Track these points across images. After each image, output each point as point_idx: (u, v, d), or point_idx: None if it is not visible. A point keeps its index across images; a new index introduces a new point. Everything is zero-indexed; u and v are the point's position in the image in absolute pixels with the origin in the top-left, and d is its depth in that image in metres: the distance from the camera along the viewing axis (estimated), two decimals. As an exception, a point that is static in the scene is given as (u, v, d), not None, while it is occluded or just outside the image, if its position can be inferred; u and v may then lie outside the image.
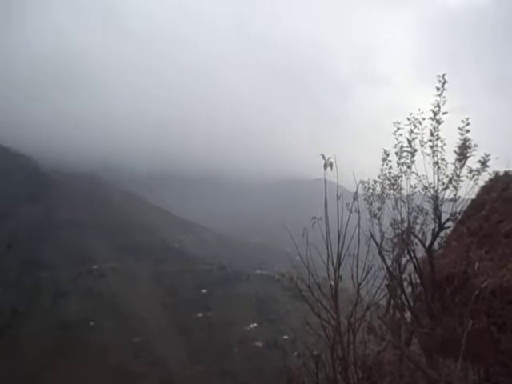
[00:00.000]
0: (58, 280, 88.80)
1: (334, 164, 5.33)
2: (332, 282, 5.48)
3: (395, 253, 7.46)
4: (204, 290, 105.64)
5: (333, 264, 5.51)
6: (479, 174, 6.56)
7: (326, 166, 5.24)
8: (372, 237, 7.19)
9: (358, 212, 6.12)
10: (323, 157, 5.26)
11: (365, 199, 7.26)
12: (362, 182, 7.21)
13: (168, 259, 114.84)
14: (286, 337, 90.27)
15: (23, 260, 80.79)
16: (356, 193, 6.29)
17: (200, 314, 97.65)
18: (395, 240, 7.46)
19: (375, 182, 7.44)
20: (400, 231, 7.38)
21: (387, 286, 7.35)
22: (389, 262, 7.42)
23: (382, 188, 7.47)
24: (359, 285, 5.83)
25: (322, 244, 6.07)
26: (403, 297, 7.50)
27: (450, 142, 6.80)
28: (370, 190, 7.45)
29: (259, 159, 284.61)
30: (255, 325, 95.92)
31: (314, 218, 5.45)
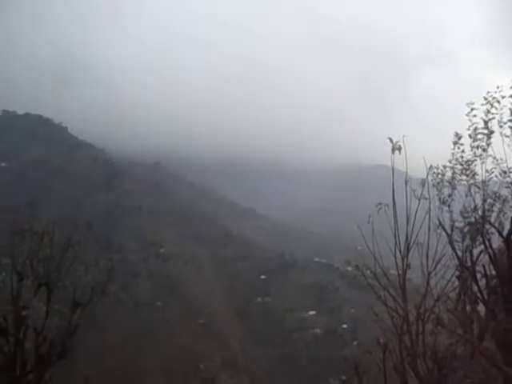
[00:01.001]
0: (130, 262, 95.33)
1: (402, 148, 5.06)
2: (400, 271, 5.27)
3: (467, 242, 7.01)
4: (263, 276, 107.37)
5: (400, 252, 5.29)
6: None
7: (393, 149, 5.00)
8: (441, 225, 6.80)
9: (429, 199, 5.80)
10: (391, 140, 5.01)
11: (433, 185, 6.85)
12: (431, 168, 6.80)
13: (228, 245, 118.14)
14: (345, 325, 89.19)
15: (99, 243, 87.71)
16: (426, 179, 5.95)
17: (259, 299, 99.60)
18: (466, 229, 7.00)
19: (445, 167, 6.99)
20: (473, 219, 6.91)
21: (458, 277, 6.95)
22: (460, 253, 6.99)
23: (453, 173, 7.00)
24: (429, 275, 5.55)
25: (385, 231, 5.85)
26: (476, 289, 7.04)
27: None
28: (440, 176, 7.01)
29: (319, 146, 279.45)
30: (314, 312, 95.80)
31: (379, 204, 5.25)
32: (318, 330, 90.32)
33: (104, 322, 64.17)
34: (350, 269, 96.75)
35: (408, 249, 5.20)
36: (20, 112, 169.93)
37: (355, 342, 77.55)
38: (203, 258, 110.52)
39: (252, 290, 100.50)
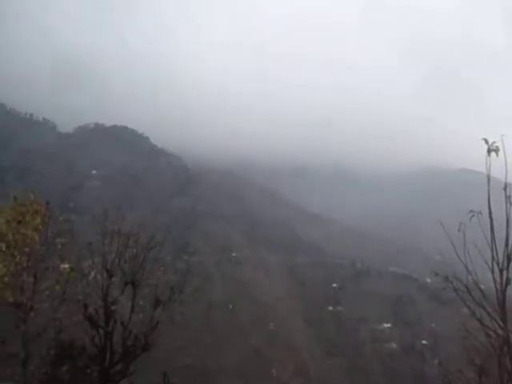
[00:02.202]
0: (203, 264, 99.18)
1: (499, 149, 4.57)
2: (498, 286, 4.75)
3: None
4: (334, 285, 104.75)
5: (498, 265, 4.77)
6: None
7: (489, 151, 4.52)
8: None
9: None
10: (486, 141, 4.55)
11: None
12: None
13: (298, 251, 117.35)
14: (424, 342, 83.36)
15: (176, 246, 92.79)
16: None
17: (330, 308, 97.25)
18: None
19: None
20: None
21: None
22: None
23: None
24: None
25: (476, 241, 5.33)
26: None
27: None
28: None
29: (394, 149, 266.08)
30: (389, 325, 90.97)
31: (471, 211, 4.80)
32: (393, 344, 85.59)
33: (181, 321, 67.50)
34: (429, 280, 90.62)
35: (508, 261, 4.66)
36: (108, 124, 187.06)
37: (436, 361, 72.07)
38: (273, 263, 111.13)
39: (323, 298, 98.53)
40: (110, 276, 10.49)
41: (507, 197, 5.84)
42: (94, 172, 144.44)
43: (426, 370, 71.23)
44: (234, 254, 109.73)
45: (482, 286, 5.60)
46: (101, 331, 10.26)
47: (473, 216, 4.79)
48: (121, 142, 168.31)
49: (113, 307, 10.18)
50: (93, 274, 10.99)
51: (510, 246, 4.78)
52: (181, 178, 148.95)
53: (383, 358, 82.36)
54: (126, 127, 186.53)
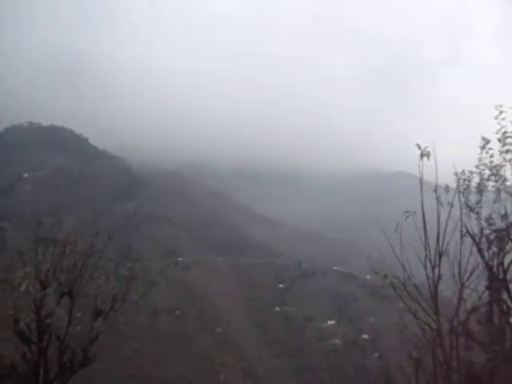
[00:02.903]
0: (149, 270, 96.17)
1: (430, 154, 4.90)
2: (430, 282, 5.07)
3: (493, 250, 6.72)
4: (281, 285, 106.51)
5: (431, 262, 5.09)
6: None
7: (422, 155, 4.84)
8: (469, 233, 6.56)
9: (461, 207, 5.60)
10: (419, 146, 4.86)
11: (460, 192, 6.62)
12: (456, 174, 6.59)
13: (247, 254, 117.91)
14: (365, 336, 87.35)
15: (119, 252, 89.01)
16: (457, 186, 5.75)
17: (277, 309, 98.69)
18: (492, 236, 6.73)
19: (472, 172, 6.76)
20: (501, 226, 6.64)
21: (488, 287, 6.66)
22: (490, 261, 6.72)
23: (481, 179, 6.76)
24: (462, 285, 5.33)
25: (411, 240, 5.66)
26: (508, 299, 6.72)
27: None
28: (466, 182, 6.78)
29: (340, 154, 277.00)
30: (333, 322, 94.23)
31: (406, 212, 5.09)
32: (337, 341, 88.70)
33: (124, 330, 64.74)
34: (368, 277, 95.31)
35: (440, 258, 5.00)
36: (45, 123, 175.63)
37: (376, 354, 75.84)
38: (222, 266, 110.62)
39: (270, 299, 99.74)
40: (44, 287, 9.76)
41: (437, 198, 6.27)
42: (26, 175, 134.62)
43: (366, 363, 74.75)
44: (180, 259, 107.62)
45: (417, 282, 5.97)
46: (33, 347, 9.50)
47: (408, 216, 5.09)
48: (58, 142, 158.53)
49: (48, 320, 9.46)
50: (24, 285, 10.15)
51: (440, 245, 5.13)
52: (124, 180, 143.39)
53: (328, 354, 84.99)
54: (63, 127, 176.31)
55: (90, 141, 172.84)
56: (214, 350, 78.22)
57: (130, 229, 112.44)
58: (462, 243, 5.39)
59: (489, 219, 6.83)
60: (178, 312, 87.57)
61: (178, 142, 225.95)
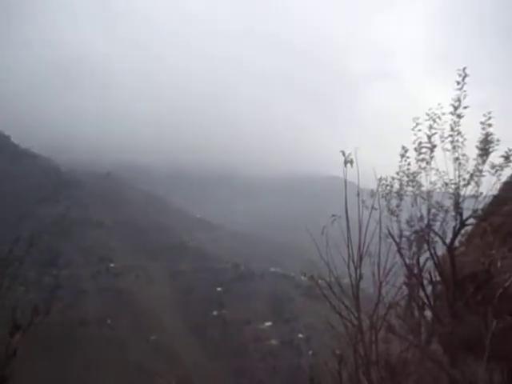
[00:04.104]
0: (78, 278, 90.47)
1: (353, 161, 5.25)
2: (353, 281, 5.42)
3: (413, 250, 7.35)
4: (219, 288, 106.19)
5: (353, 262, 5.44)
6: (502, 169, 6.39)
7: (346, 162, 5.17)
8: (390, 234, 7.09)
9: (379, 210, 6.04)
10: (343, 153, 5.18)
11: (383, 196, 7.15)
12: (380, 179, 7.10)
13: (184, 258, 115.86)
14: (300, 335, 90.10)
15: (43, 259, 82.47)
16: (377, 190, 6.20)
17: (215, 312, 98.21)
18: (413, 237, 7.35)
19: (393, 178, 7.33)
20: (419, 228, 7.27)
21: (406, 284, 7.24)
22: (408, 260, 7.32)
23: (401, 185, 7.35)
24: (380, 283, 5.76)
25: (340, 242, 5.99)
26: (423, 295, 7.37)
27: (471, 137, 6.65)
28: (388, 187, 7.34)
29: (275, 158, 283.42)
30: (270, 323, 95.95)
31: (333, 215, 5.39)
32: (274, 341, 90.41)
33: (47, 344, 60.19)
34: (303, 278, 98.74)
35: (361, 259, 5.37)
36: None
37: (310, 352, 78.54)
38: (157, 271, 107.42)
39: (208, 303, 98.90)
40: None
41: (362, 201, 6.70)
42: None
43: (301, 362, 77.07)
44: (112, 265, 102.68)
45: (347, 282, 6.34)
46: None
47: (334, 220, 5.39)
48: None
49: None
50: None
51: (362, 245, 5.52)
52: (51, 181, 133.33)
53: (265, 355, 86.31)
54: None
55: (13, 139, 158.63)
56: (148, 358, 75.64)
57: (58, 233, 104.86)
58: (380, 244, 5.83)
59: (409, 221, 7.43)
60: (109, 321, 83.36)
61: (110, 142, 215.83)
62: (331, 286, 5.47)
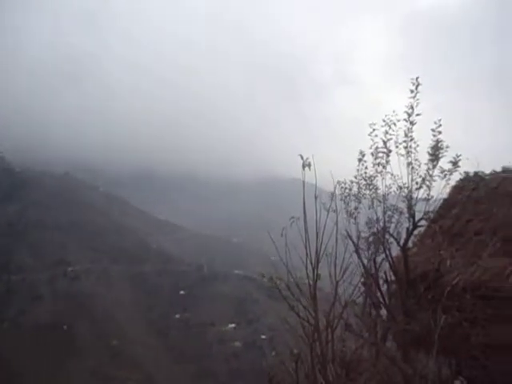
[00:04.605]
0: (32, 283, 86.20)
1: (311, 164, 5.41)
2: (310, 281, 5.57)
3: (371, 251, 7.65)
4: (182, 291, 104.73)
5: (311, 263, 5.60)
6: (451, 174, 6.77)
7: (304, 166, 5.32)
8: (349, 236, 7.34)
9: (336, 211, 6.25)
10: (301, 157, 5.33)
11: (341, 199, 7.38)
12: (339, 183, 7.34)
13: (146, 260, 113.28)
14: (263, 336, 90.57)
15: (-7, 263, 78.14)
16: (334, 192, 6.41)
17: (178, 316, 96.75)
18: (371, 239, 7.64)
19: (352, 182, 7.58)
20: (376, 230, 7.56)
21: (363, 284, 7.51)
22: (366, 261, 7.60)
23: (359, 188, 7.61)
24: (337, 283, 5.96)
25: (300, 243, 6.13)
26: (379, 294, 7.67)
27: (424, 142, 6.99)
28: (347, 190, 7.58)
29: (239, 159, 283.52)
30: (233, 325, 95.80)
31: (292, 217, 5.52)
32: (238, 343, 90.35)
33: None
34: (266, 280, 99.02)
35: (318, 259, 5.54)
36: None
37: (273, 353, 79.17)
38: (118, 274, 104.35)
39: (170, 306, 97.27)
40: None
41: (323, 203, 6.88)
42: None
43: (264, 363, 77.47)
44: (70, 269, 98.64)
45: (311, 282, 6.48)
46: None
47: (293, 222, 5.53)
48: None
49: None
50: None
51: (319, 246, 5.69)
52: (4, 180, 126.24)
53: (229, 357, 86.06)
54: None
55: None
56: (109, 364, 73.30)
57: (11, 236, 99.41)
58: (337, 245, 6.04)
59: (368, 223, 7.72)
60: (65, 327, 79.99)
61: (68, 142, 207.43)
62: (289, 286, 5.60)
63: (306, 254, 5.62)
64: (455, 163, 6.62)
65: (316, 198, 5.67)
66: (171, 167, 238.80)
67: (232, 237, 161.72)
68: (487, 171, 7.99)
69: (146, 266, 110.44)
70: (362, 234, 7.60)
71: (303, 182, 5.37)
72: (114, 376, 68.95)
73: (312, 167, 5.29)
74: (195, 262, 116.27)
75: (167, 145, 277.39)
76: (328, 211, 5.93)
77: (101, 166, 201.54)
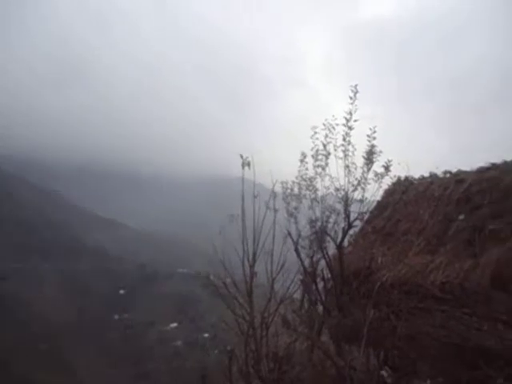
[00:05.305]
0: None
1: (251, 164, 5.50)
2: (247, 279, 5.65)
3: (311, 250, 7.94)
4: (121, 291, 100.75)
5: (248, 261, 5.68)
6: (383, 177, 7.22)
7: (243, 165, 5.41)
8: (289, 234, 7.54)
9: (274, 210, 6.40)
10: (241, 156, 5.41)
11: (283, 199, 7.56)
12: (282, 183, 7.51)
13: (82, 258, 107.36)
14: (206, 335, 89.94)
15: None
16: (273, 191, 6.56)
17: (116, 316, 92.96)
18: (312, 238, 7.92)
19: (293, 182, 7.80)
20: (315, 229, 7.85)
21: (301, 281, 7.77)
22: (306, 259, 7.88)
23: (299, 188, 7.84)
24: (273, 280, 6.11)
25: (240, 242, 6.19)
26: (316, 291, 7.98)
27: (360, 147, 7.38)
28: (288, 190, 7.78)
29: (186, 158, 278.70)
30: (175, 324, 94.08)
31: (231, 215, 5.58)
32: (179, 342, 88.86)
33: None
34: (212, 278, 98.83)
35: (255, 257, 5.63)
36: None
37: (216, 351, 79.07)
38: (50, 273, 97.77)
39: (108, 307, 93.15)
40: None
41: (265, 202, 7.00)
42: None
43: (207, 361, 77.00)
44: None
45: (247, 279, 6.55)
46: None
47: (232, 220, 5.59)
48: None
49: None
50: None
51: (256, 244, 5.80)
52: None
53: (170, 357, 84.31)
54: None
55: None
56: (37, 370, 68.47)
57: None
58: (274, 243, 6.19)
59: (310, 223, 7.99)
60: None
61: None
62: (226, 284, 5.65)
63: (244, 251, 5.70)
64: (387, 167, 7.07)
65: (255, 196, 5.78)
66: (115, 164, 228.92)
67: (177, 235, 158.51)
68: (417, 176, 8.63)
69: (82, 265, 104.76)
70: (302, 234, 7.86)
71: (242, 180, 5.45)
72: (42, 382, 64.57)
73: (252, 166, 5.39)
74: (137, 260, 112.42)
75: (110, 143, 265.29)
76: (274, 210, 6.07)
77: (37, 162, 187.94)
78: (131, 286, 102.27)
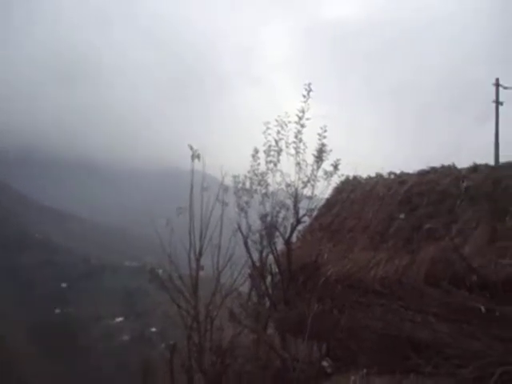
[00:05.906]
0: None
1: (201, 156, 5.44)
2: (193, 272, 5.60)
3: (261, 245, 8.01)
4: (64, 284, 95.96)
5: (195, 254, 5.63)
6: (331, 176, 7.43)
7: (193, 157, 5.34)
8: (239, 228, 7.55)
9: (223, 203, 6.40)
10: (191, 148, 5.33)
11: (234, 193, 7.56)
12: (234, 177, 7.50)
13: (26, 250, 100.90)
14: (153, 329, 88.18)
15: None
16: (222, 184, 6.54)
17: (58, 311, 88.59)
18: (263, 232, 8.00)
19: (245, 176, 7.81)
20: (266, 224, 7.93)
21: (249, 275, 7.83)
22: (256, 253, 7.94)
23: (251, 183, 7.88)
24: (219, 273, 6.10)
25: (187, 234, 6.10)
26: (264, 286, 8.08)
27: (312, 145, 7.53)
28: (240, 185, 7.79)
29: (139, 148, 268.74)
30: (121, 318, 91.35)
31: (179, 208, 5.49)
32: (126, 337, 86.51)
33: None
34: (161, 271, 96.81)
35: (201, 250, 5.59)
36: None
37: (163, 345, 77.76)
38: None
39: (50, 301, 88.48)
40: None
41: (216, 196, 6.95)
42: None
43: (154, 355, 75.56)
44: None
45: (193, 272, 6.47)
46: None
47: (180, 213, 5.50)
48: None
49: None
50: None
51: (203, 238, 5.76)
52: None
53: (117, 352, 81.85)
54: None
55: None
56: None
57: None
58: (221, 236, 6.19)
59: (261, 217, 8.05)
60: None
61: None
62: (172, 277, 5.56)
63: (190, 244, 5.64)
64: (335, 166, 7.29)
65: (205, 189, 5.72)
66: (65, 154, 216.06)
67: (128, 227, 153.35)
68: (364, 175, 8.99)
69: (25, 257, 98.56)
70: (253, 228, 7.90)
71: (192, 172, 5.38)
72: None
73: (201, 158, 5.33)
74: (83, 253, 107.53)
75: (60, 131, 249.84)
76: (215, 202, 6.03)
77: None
78: (75, 279, 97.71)
